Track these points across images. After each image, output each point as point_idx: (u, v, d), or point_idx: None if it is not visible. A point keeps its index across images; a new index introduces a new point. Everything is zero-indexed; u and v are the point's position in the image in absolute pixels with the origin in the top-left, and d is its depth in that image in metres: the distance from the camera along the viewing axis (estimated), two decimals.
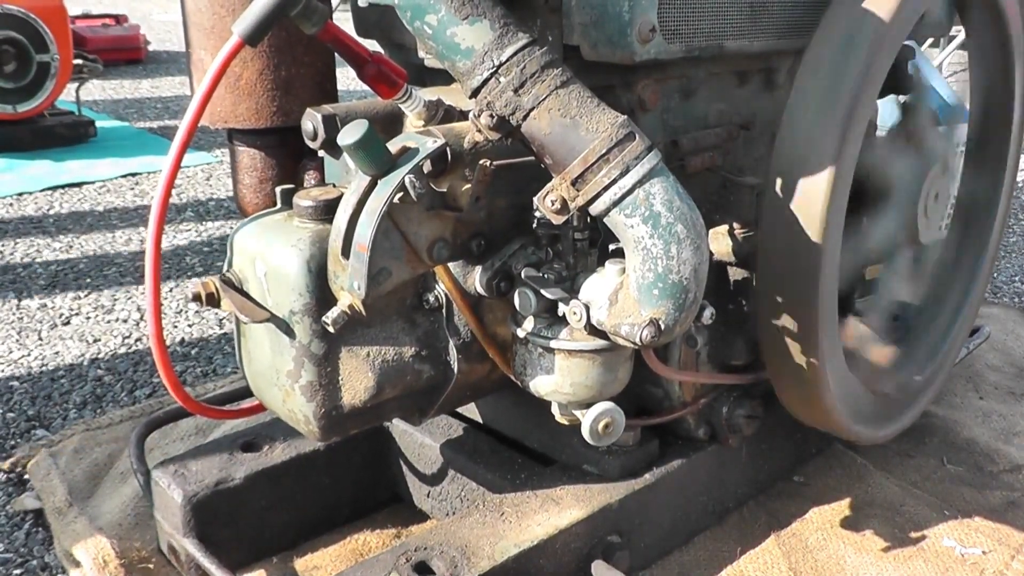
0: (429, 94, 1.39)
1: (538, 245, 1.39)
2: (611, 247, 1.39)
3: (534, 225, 1.37)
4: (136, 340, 2.77)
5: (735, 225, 1.54)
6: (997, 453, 2.05)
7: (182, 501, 1.58)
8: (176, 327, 2.86)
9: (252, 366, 1.42)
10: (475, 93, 1.22)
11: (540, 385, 1.38)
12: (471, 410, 1.82)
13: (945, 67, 4.41)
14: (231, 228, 1.36)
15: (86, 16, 8.54)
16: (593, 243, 1.36)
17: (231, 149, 1.69)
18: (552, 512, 1.52)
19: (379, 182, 1.22)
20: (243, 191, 1.68)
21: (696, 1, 1.42)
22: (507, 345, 1.44)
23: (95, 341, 2.76)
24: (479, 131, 1.22)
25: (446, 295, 1.39)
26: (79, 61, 5.30)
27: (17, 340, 2.76)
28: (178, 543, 1.60)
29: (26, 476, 2.02)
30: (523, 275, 1.35)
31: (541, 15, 1.41)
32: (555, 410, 1.41)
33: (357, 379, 1.34)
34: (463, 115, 1.38)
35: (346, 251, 1.23)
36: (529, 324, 1.36)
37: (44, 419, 2.30)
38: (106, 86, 7.38)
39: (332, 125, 1.38)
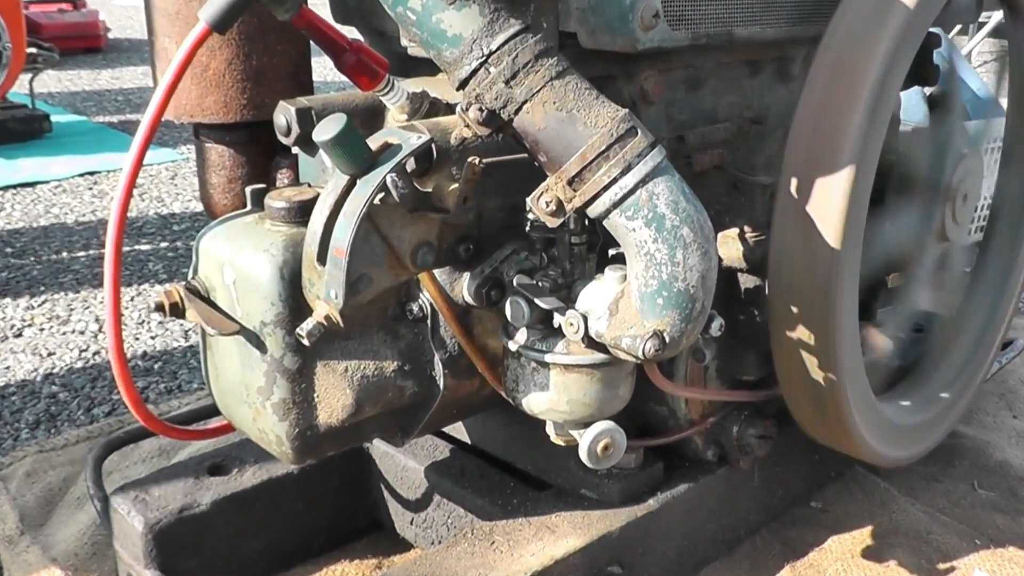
0: (413, 86, 1.39)
1: (531, 250, 1.39)
2: (611, 252, 1.39)
3: (527, 228, 1.37)
4: (94, 353, 2.77)
5: (746, 228, 1.54)
6: None
7: (143, 529, 1.58)
8: (138, 339, 2.85)
9: (220, 382, 1.42)
10: (463, 85, 1.22)
11: (534, 402, 1.38)
12: (458, 430, 1.82)
13: (974, 56, 4.43)
14: (197, 232, 1.37)
15: (40, 0, 8.54)
16: (591, 248, 1.36)
17: (197, 145, 1.68)
18: (547, 541, 1.52)
19: (358, 181, 1.22)
20: (210, 191, 1.68)
21: None
22: (498, 359, 1.44)
23: (49, 355, 2.76)
24: (467, 126, 1.22)
25: (431, 304, 1.39)
26: (33, 50, 5.30)
27: None
28: (139, 575, 1.60)
29: None
30: (515, 283, 1.35)
31: (535, 0, 1.41)
32: (550, 430, 1.41)
33: (334, 396, 1.34)
34: (450, 108, 1.38)
35: (322, 257, 1.23)
36: (522, 336, 1.36)
37: None
38: (62, 77, 7.38)
39: (307, 119, 1.38)
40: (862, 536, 1.85)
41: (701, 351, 1.56)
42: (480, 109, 1.20)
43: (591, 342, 1.29)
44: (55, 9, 8.43)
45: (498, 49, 1.19)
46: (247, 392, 1.35)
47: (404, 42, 1.57)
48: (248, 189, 1.40)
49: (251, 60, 1.57)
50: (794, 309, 1.50)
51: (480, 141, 1.26)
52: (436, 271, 1.37)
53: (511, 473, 1.72)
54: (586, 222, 1.32)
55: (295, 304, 1.28)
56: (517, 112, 1.20)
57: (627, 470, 1.62)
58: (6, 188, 4.45)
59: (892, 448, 1.77)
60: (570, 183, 1.20)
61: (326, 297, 1.24)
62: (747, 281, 1.59)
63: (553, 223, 1.24)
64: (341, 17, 1.67)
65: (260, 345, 1.31)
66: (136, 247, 3.67)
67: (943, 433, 1.94)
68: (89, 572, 1.74)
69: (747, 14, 1.50)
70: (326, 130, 1.18)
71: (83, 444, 2.19)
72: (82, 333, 2.90)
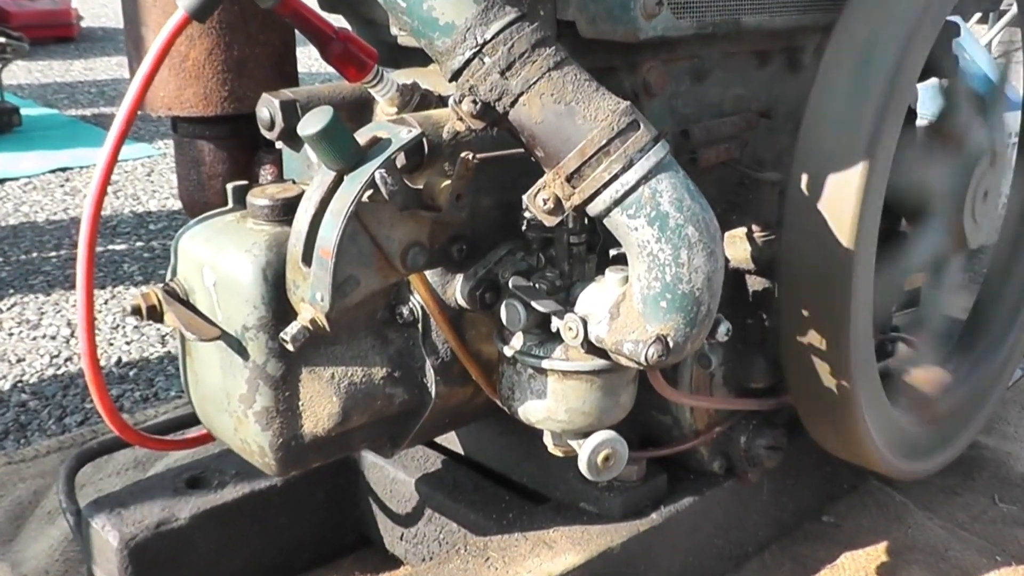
0: (403, 77, 1.39)
1: (528, 250, 1.39)
2: (612, 253, 1.40)
3: (523, 227, 1.37)
4: (66, 360, 2.76)
5: (754, 227, 1.55)
6: None
7: (118, 545, 1.58)
8: (112, 345, 2.85)
9: (199, 390, 1.42)
10: (456, 76, 1.22)
11: (530, 411, 1.38)
12: (451, 440, 1.82)
13: (994, 47, 4.44)
14: (175, 231, 1.37)
15: None
16: (591, 248, 1.36)
17: (176, 140, 1.69)
18: (544, 557, 1.52)
19: (345, 178, 1.22)
20: (189, 188, 1.68)
21: None
22: (492, 365, 1.44)
23: (19, 361, 2.75)
24: (460, 119, 1.22)
25: (422, 308, 1.39)
26: (1, 39, 5.30)
27: None
28: None
29: None
30: (511, 285, 1.35)
31: None
32: (548, 440, 1.42)
33: (320, 404, 1.34)
34: (442, 101, 1.38)
35: (307, 257, 1.23)
36: (518, 341, 1.36)
37: None
38: (33, 68, 7.37)
39: (292, 112, 1.38)
40: (877, 552, 1.85)
41: (707, 357, 1.56)
42: (474, 101, 1.20)
43: (591, 347, 1.29)
44: None
45: (493, 38, 1.19)
46: (228, 400, 1.35)
47: (394, 31, 1.57)
48: (229, 186, 1.40)
49: (232, 50, 1.57)
50: (805, 313, 1.50)
51: (474, 135, 1.26)
52: (427, 272, 1.38)
53: (506, 486, 1.73)
54: (585, 221, 1.32)
55: (279, 307, 1.28)
56: (513, 105, 1.20)
57: (629, 483, 1.62)
58: None
59: (908, 460, 1.77)
60: (569, 180, 1.20)
61: (311, 300, 1.24)
62: (755, 283, 1.59)
63: (551, 222, 1.24)
64: (328, 5, 1.67)
65: (242, 351, 1.31)
66: (110, 247, 3.67)
67: (963, 444, 1.94)
68: None
69: (755, 2, 1.51)
70: (311, 124, 1.18)
71: (54, 455, 2.19)
72: (53, 338, 2.90)
